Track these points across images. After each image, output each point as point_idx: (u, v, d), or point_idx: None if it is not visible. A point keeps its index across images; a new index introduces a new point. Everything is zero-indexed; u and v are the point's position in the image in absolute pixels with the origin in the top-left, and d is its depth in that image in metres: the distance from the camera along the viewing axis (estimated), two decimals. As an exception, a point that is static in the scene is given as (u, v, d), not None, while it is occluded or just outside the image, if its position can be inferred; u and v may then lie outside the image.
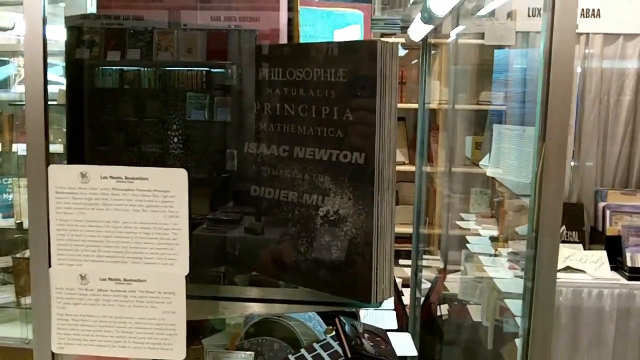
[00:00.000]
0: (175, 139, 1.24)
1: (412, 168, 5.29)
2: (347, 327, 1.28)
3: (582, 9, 4.90)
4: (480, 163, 3.34)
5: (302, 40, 1.43)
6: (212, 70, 1.24)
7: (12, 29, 3.79)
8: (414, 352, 2.00)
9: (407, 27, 2.63)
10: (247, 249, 1.20)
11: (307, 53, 1.10)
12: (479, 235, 3.80)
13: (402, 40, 3.91)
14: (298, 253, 1.12)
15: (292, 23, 1.31)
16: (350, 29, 1.60)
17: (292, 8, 1.31)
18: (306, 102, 1.09)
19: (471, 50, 4.95)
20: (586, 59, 4.93)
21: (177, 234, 1.06)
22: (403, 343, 1.98)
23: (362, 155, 1.03)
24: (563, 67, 0.98)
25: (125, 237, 1.07)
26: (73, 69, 1.25)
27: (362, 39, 1.62)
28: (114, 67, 1.25)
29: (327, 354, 1.32)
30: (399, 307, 3.56)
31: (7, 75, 4.28)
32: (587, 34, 4.91)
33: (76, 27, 1.22)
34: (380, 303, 1.09)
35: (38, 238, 1.08)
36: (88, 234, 1.08)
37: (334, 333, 1.33)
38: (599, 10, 4.93)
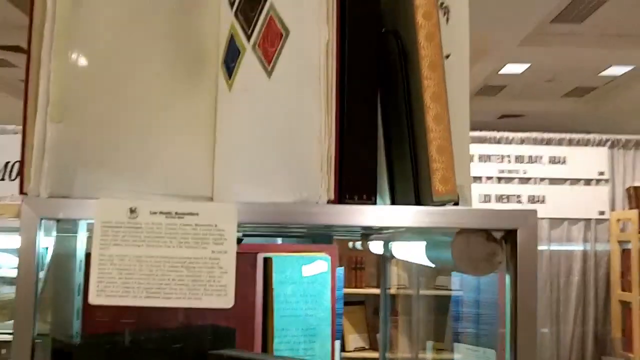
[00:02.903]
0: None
1: (374, 354, 5.24)
2: None
3: (528, 196, 5.28)
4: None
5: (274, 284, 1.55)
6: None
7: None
8: None
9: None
10: None
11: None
12: None
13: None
14: None
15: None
16: (317, 263, 1.68)
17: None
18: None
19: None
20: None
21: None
22: None
23: None
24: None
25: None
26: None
27: (330, 274, 1.70)
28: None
29: None
30: None
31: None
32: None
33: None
34: None
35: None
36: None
37: None
38: (544, 196, 5.31)
